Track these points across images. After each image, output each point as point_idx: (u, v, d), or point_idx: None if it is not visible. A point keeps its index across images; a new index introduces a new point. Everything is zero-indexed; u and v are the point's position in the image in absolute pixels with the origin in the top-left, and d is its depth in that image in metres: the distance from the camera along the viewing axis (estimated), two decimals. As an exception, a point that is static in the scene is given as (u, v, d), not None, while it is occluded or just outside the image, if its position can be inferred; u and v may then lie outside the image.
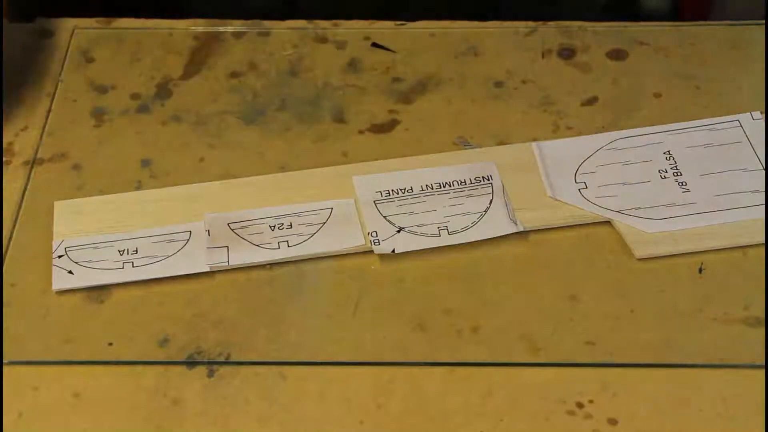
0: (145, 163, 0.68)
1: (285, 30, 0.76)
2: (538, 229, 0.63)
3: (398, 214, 0.64)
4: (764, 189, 0.64)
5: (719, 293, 0.60)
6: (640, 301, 0.60)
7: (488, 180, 0.66)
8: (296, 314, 0.61)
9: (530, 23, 0.75)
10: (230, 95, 0.72)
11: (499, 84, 0.72)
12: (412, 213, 0.64)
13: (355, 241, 0.63)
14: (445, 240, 0.63)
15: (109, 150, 0.69)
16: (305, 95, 0.72)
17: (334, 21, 0.76)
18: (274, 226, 0.64)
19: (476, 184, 0.65)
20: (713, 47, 0.74)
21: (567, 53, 0.74)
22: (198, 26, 0.77)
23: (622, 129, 0.68)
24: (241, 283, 0.62)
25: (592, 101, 0.71)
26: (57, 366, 0.59)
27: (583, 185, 0.65)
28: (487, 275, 0.62)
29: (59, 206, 0.66)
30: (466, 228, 0.63)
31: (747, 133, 0.67)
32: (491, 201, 0.64)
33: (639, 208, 0.64)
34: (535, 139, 0.68)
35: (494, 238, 0.63)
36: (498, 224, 0.63)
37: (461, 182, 0.66)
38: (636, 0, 1.16)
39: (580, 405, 0.56)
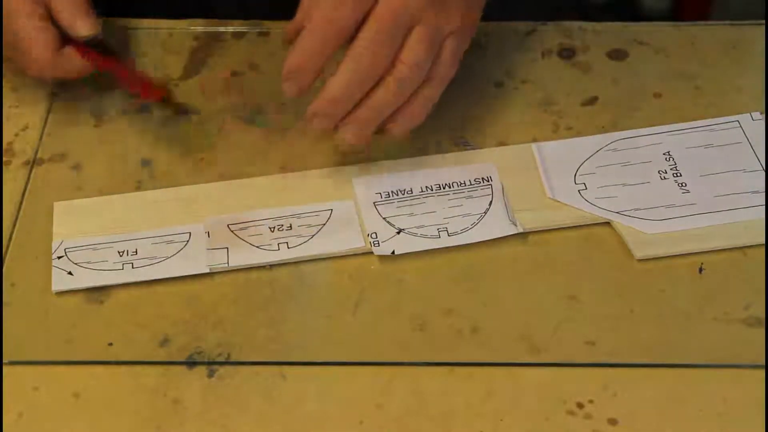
0: (145, 163, 0.68)
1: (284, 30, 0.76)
2: (538, 230, 0.63)
3: (398, 215, 0.64)
4: (764, 189, 0.64)
5: (719, 293, 0.60)
6: (640, 301, 0.60)
7: (488, 181, 0.66)
8: (296, 314, 0.61)
9: (530, 23, 0.75)
10: (230, 95, 0.72)
11: (499, 84, 0.72)
12: (411, 214, 0.64)
13: (354, 242, 0.63)
14: (445, 241, 0.63)
15: (109, 150, 0.69)
16: (305, 95, 0.72)
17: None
18: (274, 228, 0.64)
19: (476, 185, 0.65)
20: (713, 47, 0.74)
21: (567, 53, 0.74)
22: (198, 26, 0.77)
23: (622, 129, 0.68)
24: (241, 283, 0.62)
25: (592, 101, 0.71)
26: (57, 366, 0.59)
27: (583, 186, 0.65)
28: (487, 275, 0.62)
29: (59, 206, 0.66)
30: (466, 229, 0.63)
31: (747, 134, 0.67)
32: (491, 202, 0.64)
33: (639, 209, 0.64)
34: (535, 139, 0.68)
35: (494, 238, 0.63)
36: (498, 225, 0.63)
37: (461, 183, 0.66)
38: (636, 0, 1.16)
39: (580, 405, 0.56)
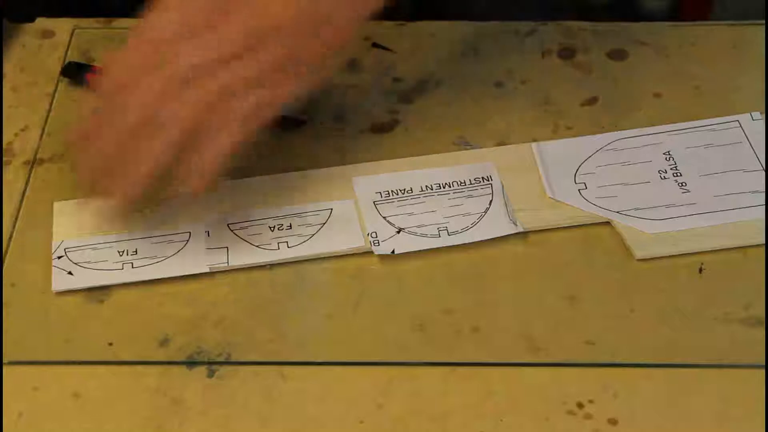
0: (145, 163, 0.68)
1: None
2: (538, 230, 0.63)
3: (398, 214, 0.64)
4: (764, 189, 0.64)
5: (719, 293, 0.60)
6: (640, 301, 0.60)
7: (488, 180, 0.66)
8: (296, 314, 0.61)
9: (530, 23, 0.75)
10: (230, 95, 0.72)
11: (499, 84, 0.72)
12: (411, 214, 0.64)
13: (354, 242, 0.63)
14: (445, 241, 0.63)
15: (109, 150, 0.69)
16: (305, 95, 0.72)
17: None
18: (274, 227, 0.64)
19: (476, 184, 0.65)
20: (713, 47, 0.74)
21: (567, 53, 0.74)
22: (198, 26, 0.77)
23: (622, 129, 0.68)
24: (241, 283, 0.62)
25: (592, 101, 0.71)
26: (57, 366, 0.59)
27: (583, 186, 0.65)
28: (487, 275, 0.62)
29: (59, 207, 0.65)
30: (466, 229, 0.63)
31: (747, 134, 0.67)
32: (491, 201, 0.64)
33: (639, 209, 0.64)
34: (535, 139, 0.68)
35: (494, 238, 0.63)
36: (498, 225, 0.63)
37: (461, 183, 0.66)
38: (636, 0, 1.16)
39: (580, 405, 0.56)
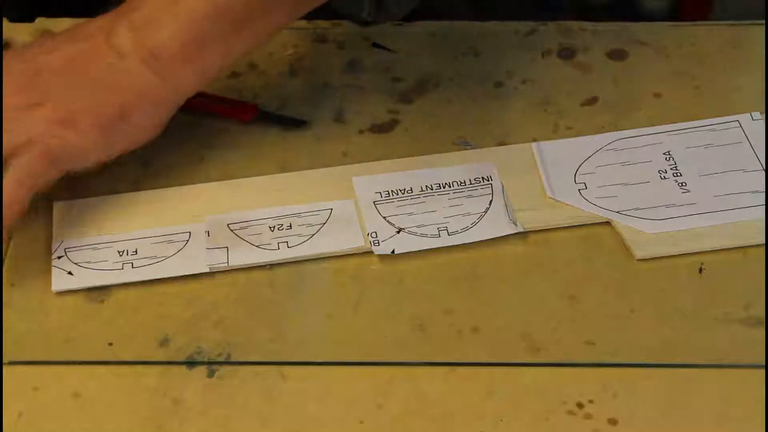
0: (145, 163, 0.68)
1: (285, 30, 0.76)
2: (538, 230, 0.63)
3: (398, 214, 0.64)
4: (764, 189, 0.64)
5: (719, 293, 0.60)
6: (640, 301, 0.60)
7: (488, 180, 0.66)
8: (296, 314, 0.61)
9: (530, 23, 0.75)
10: (230, 95, 0.72)
11: (499, 84, 0.72)
12: (411, 214, 0.64)
13: (354, 242, 0.63)
14: (445, 241, 0.63)
15: (109, 150, 0.69)
16: (305, 95, 0.72)
17: (334, 21, 0.76)
18: (274, 227, 0.64)
19: (476, 184, 0.65)
20: (713, 47, 0.74)
21: (567, 53, 0.74)
22: (198, 26, 0.77)
23: (622, 129, 0.68)
24: (241, 283, 0.62)
25: (592, 101, 0.71)
26: (57, 366, 0.59)
27: (583, 186, 0.65)
28: (487, 275, 0.62)
29: (59, 206, 0.65)
30: (466, 229, 0.63)
31: (747, 134, 0.67)
32: (491, 201, 0.64)
33: (639, 209, 0.64)
34: (534, 139, 0.68)
35: (494, 238, 0.63)
36: (498, 225, 0.63)
37: (461, 183, 0.66)
38: (636, 0, 1.16)
39: (580, 405, 0.56)
